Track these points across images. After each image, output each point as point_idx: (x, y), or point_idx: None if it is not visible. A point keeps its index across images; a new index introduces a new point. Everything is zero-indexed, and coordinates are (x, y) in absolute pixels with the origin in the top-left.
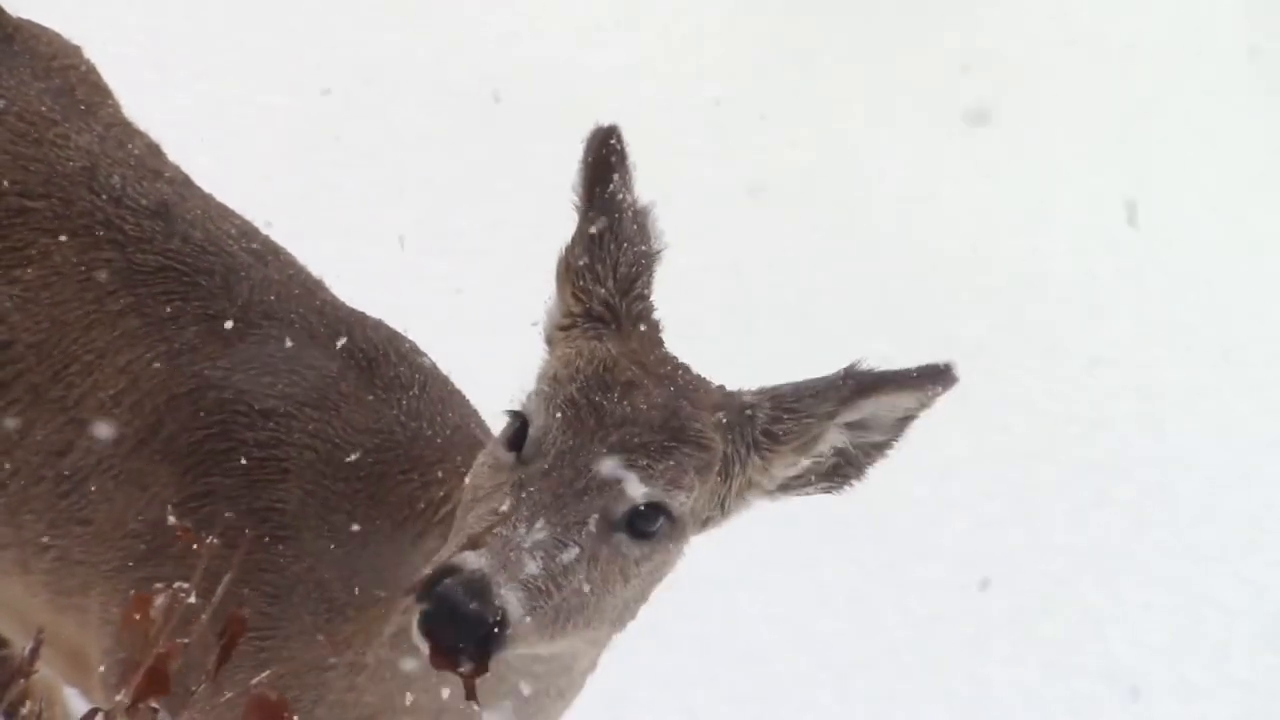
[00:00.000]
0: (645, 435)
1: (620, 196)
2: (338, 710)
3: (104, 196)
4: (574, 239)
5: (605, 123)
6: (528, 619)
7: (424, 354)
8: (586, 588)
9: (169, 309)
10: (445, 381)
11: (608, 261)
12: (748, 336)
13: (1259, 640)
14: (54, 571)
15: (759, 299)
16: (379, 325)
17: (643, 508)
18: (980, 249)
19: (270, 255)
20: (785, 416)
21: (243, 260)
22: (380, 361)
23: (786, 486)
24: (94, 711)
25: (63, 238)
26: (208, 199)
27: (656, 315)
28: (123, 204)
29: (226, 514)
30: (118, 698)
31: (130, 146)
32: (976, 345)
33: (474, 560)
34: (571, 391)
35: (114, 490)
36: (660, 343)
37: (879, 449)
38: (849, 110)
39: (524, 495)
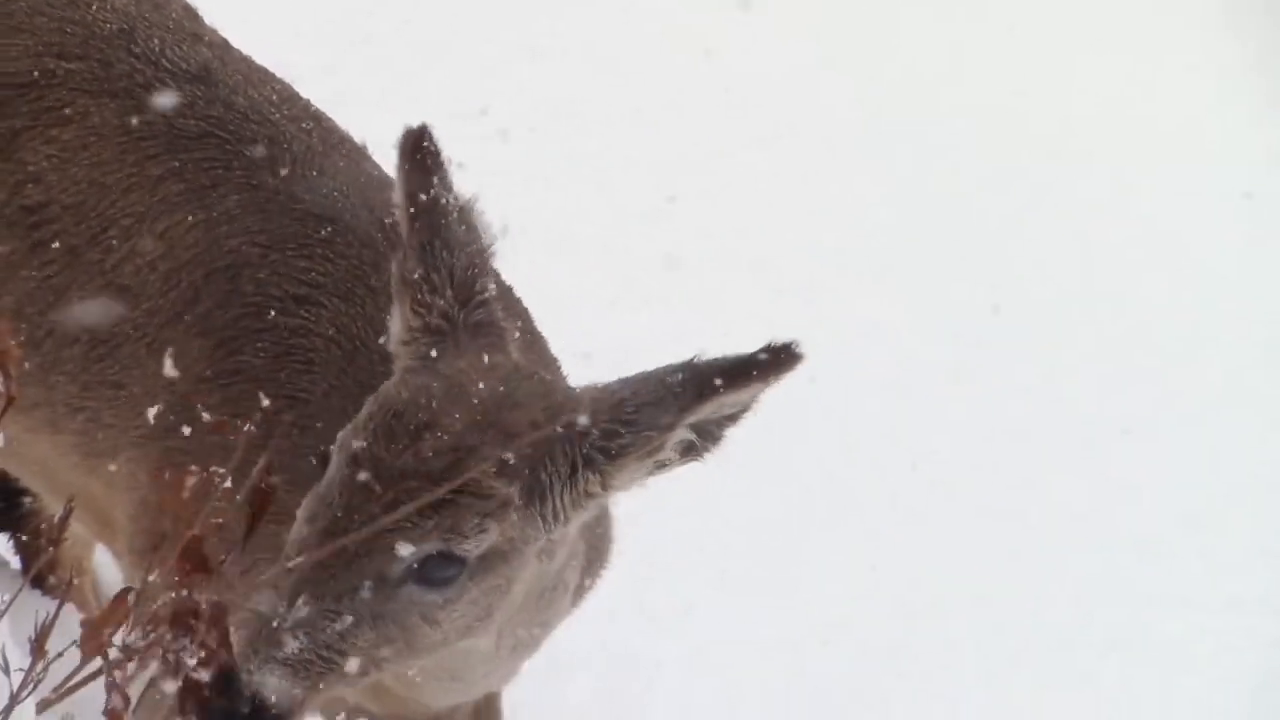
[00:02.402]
0: (424, 487)
1: (443, 201)
2: None
3: (144, 59)
4: (405, 252)
5: (414, 125)
6: (298, 690)
7: None
8: (380, 642)
9: (210, 176)
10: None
11: (442, 270)
12: None
13: None
14: (83, 433)
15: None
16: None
17: (418, 563)
18: None
19: (313, 123)
20: (623, 430)
21: (286, 130)
22: None
23: (642, 481)
24: (126, 590)
25: (103, 99)
26: (248, 63)
27: (497, 317)
28: (162, 67)
29: (256, 393)
30: (150, 578)
31: (168, 10)
32: None
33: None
34: (358, 447)
35: (146, 358)
36: (498, 349)
37: (732, 420)
38: None
39: (293, 566)
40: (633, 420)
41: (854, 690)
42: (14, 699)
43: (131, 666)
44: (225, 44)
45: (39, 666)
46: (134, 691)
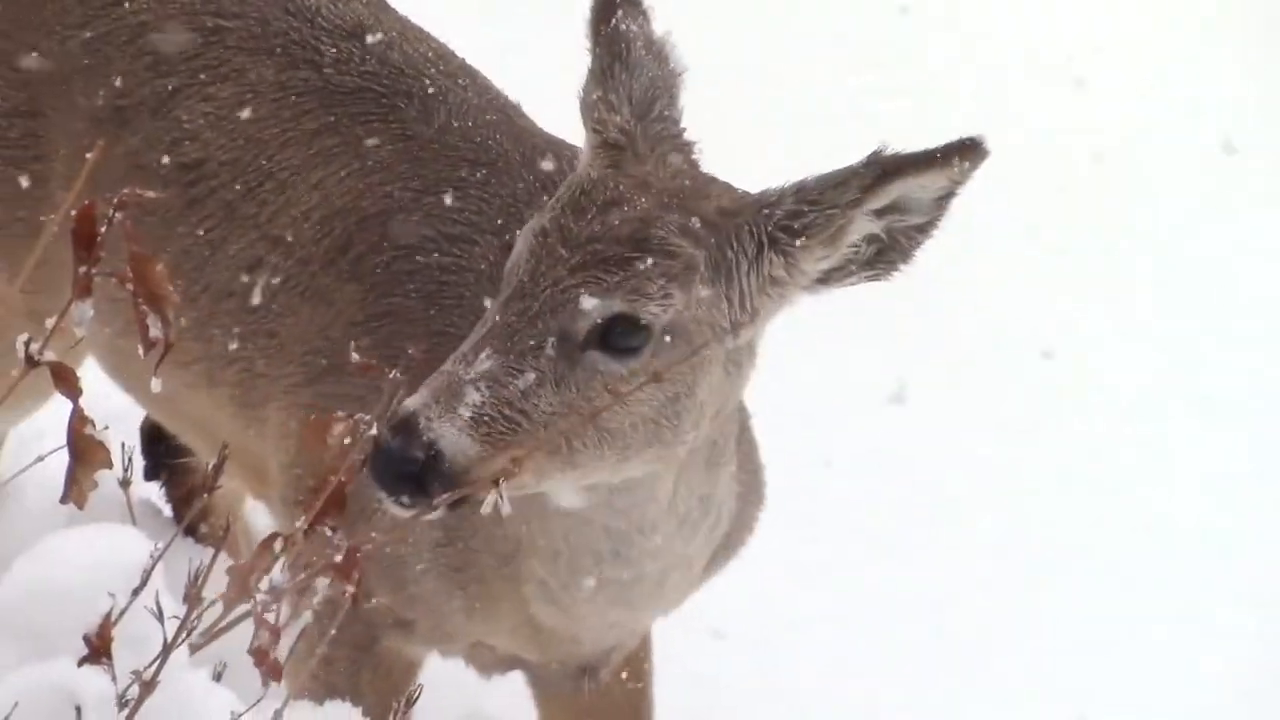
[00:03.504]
0: (609, 249)
1: (624, 28)
2: (490, 543)
3: (300, 16)
4: (586, 77)
5: None
6: (478, 448)
7: None
8: (564, 409)
9: (365, 129)
10: None
11: (621, 91)
12: None
13: None
14: (238, 384)
15: None
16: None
17: (604, 321)
18: None
19: (467, 79)
20: (807, 209)
21: (440, 84)
22: None
23: (826, 279)
24: (274, 536)
25: (259, 57)
26: (404, 21)
27: (684, 133)
28: (318, 24)
29: (407, 334)
30: (297, 524)
31: None
32: None
33: (409, 401)
34: (544, 220)
35: (300, 305)
36: (680, 157)
37: (921, 230)
38: None
39: (481, 328)
40: (816, 199)
41: (987, 645)
42: (168, 646)
43: (279, 608)
44: (381, 2)
45: (193, 614)
46: (285, 637)
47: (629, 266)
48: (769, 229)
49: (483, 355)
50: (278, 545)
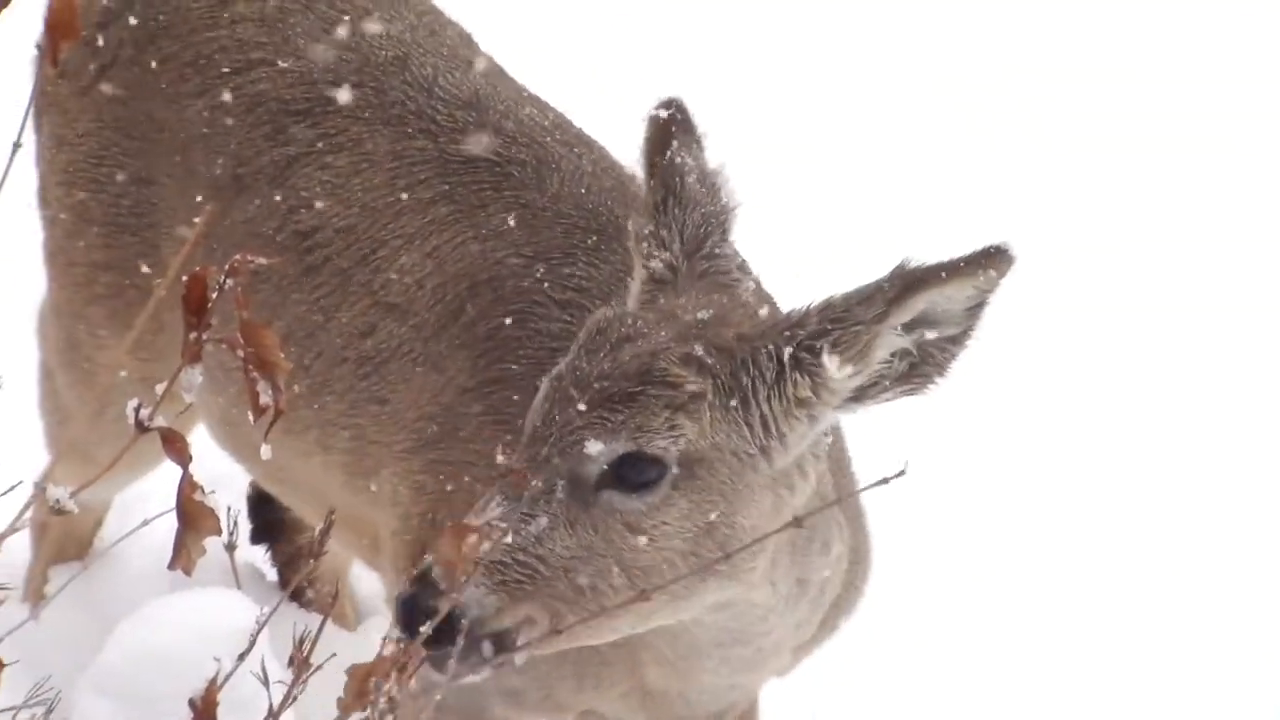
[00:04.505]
0: (615, 386)
1: (679, 161)
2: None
3: (417, 86)
4: (639, 210)
5: (666, 96)
6: (493, 598)
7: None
8: (582, 553)
9: (479, 198)
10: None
11: (673, 227)
12: None
13: None
14: (350, 451)
15: None
16: None
17: (608, 463)
18: None
19: (583, 147)
20: (831, 327)
21: (555, 151)
22: None
23: (859, 397)
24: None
25: (376, 126)
26: (520, 90)
27: (735, 269)
28: (435, 94)
29: (514, 398)
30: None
31: (442, 36)
32: None
33: (426, 558)
34: (561, 365)
35: (411, 372)
36: (722, 291)
37: (955, 342)
38: None
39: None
40: (841, 317)
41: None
42: (273, 712)
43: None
44: (499, 70)
45: (299, 680)
46: None
47: (634, 402)
48: (793, 350)
49: (493, 504)
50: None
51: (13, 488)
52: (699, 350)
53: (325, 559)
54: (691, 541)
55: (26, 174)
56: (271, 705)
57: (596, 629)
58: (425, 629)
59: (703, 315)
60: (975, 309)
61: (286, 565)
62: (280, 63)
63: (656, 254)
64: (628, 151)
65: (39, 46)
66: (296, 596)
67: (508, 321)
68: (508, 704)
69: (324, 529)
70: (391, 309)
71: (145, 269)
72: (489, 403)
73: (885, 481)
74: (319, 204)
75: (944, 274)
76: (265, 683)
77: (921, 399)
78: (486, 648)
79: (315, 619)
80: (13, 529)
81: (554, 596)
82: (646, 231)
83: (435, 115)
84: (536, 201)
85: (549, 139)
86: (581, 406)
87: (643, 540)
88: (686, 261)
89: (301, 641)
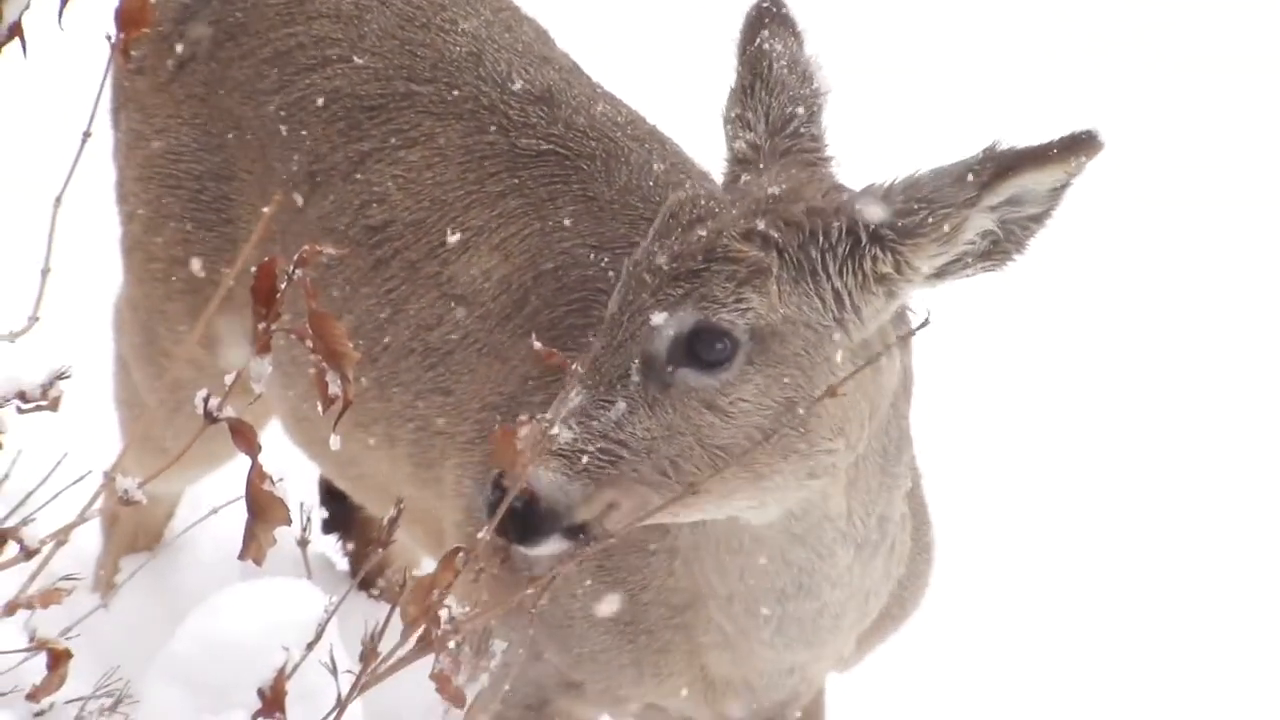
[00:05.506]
0: (682, 265)
1: (768, 47)
2: (662, 595)
3: (490, 82)
4: (728, 94)
5: None
6: (573, 486)
7: None
8: (663, 434)
9: (548, 190)
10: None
11: (758, 109)
12: None
13: None
14: (416, 442)
15: None
16: None
17: (683, 335)
18: None
19: (655, 143)
20: (918, 206)
21: (625, 146)
22: None
23: (940, 274)
24: (455, 550)
25: (449, 121)
26: (594, 86)
27: (821, 149)
28: (508, 89)
29: None
30: (480, 534)
31: (517, 31)
32: None
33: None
34: (636, 255)
35: (476, 363)
36: (803, 167)
37: (1035, 220)
38: None
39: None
40: (930, 197)
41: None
42: (342, 701)
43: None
44: (574, 67)
45: (368, 669)
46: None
47: (697, 278)
48: (874, 229)
49: (573, 393)
50: (459, 560)
51: (81, 478)
52: (762, 225)
53: (396, 549)
54: (771, 418)
55: (98, 167)
56: (340, 695)
57: (682, 506)
58: (501, 507)
59: (774, 190)
60: (1059, 189)
61: (358, 555)
62: (356, 59)
63: (741, 134)
64: (705, 149)
65: (109, 38)
66: (366, 586)
67: (570, 310)
68: (569, 697)
69: (392, 517)
70: (459, 300)
71: (224, 267)
72: (551, 391)
73: (912, 333)
74: (391, 198)
75: (1039, 158)
76: (334, 672)
77: (921, 399)
78: (573, 535)
79: (384, 609)
80: (81, 519)
81: (639, 480)
82: (733, 115)
83: (508, 110)
84: (604, 194)
85: (620, 134)
86: (653, 286)
87: (723, 419)
88: (770, 140)
89: (370, 631)
